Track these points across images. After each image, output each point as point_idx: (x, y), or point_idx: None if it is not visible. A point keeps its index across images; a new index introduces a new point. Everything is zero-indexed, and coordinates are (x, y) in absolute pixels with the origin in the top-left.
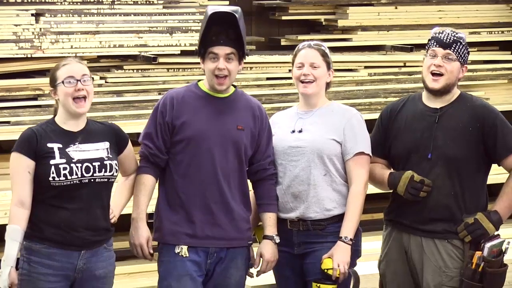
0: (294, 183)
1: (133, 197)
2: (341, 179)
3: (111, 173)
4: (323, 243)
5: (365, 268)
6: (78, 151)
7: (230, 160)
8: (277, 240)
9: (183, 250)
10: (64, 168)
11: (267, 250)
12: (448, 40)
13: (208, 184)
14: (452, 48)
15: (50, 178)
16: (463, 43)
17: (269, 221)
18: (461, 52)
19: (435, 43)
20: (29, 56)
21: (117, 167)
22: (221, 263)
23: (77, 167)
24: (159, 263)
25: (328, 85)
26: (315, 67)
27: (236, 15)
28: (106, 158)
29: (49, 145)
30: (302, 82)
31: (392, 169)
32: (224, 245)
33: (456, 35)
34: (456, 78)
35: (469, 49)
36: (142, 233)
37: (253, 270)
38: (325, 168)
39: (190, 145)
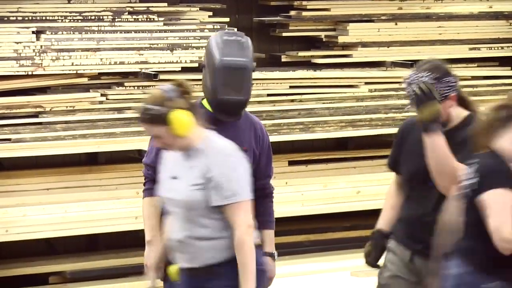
0: None
1: (145, 220)
2: None
3: None
4: None
5: (366, 283)
6: None
7: None
8: (276, 256)
9: None
10: None
11: (270, 267)
12: (411, 93)
13: None
14: None
15: None
16: (436, 81)
17: (269, 238)
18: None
19: None
20: (30, 73)
21: None
22: None
23: None
24: None
25: None
26: None
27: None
28: None
29: None
30: None
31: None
32: None
33: (420, 84)
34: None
35: (449, 79)
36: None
37: None
38: None
39: None
